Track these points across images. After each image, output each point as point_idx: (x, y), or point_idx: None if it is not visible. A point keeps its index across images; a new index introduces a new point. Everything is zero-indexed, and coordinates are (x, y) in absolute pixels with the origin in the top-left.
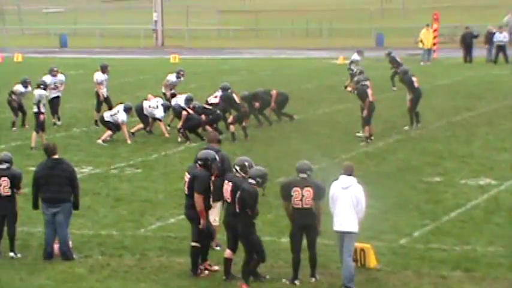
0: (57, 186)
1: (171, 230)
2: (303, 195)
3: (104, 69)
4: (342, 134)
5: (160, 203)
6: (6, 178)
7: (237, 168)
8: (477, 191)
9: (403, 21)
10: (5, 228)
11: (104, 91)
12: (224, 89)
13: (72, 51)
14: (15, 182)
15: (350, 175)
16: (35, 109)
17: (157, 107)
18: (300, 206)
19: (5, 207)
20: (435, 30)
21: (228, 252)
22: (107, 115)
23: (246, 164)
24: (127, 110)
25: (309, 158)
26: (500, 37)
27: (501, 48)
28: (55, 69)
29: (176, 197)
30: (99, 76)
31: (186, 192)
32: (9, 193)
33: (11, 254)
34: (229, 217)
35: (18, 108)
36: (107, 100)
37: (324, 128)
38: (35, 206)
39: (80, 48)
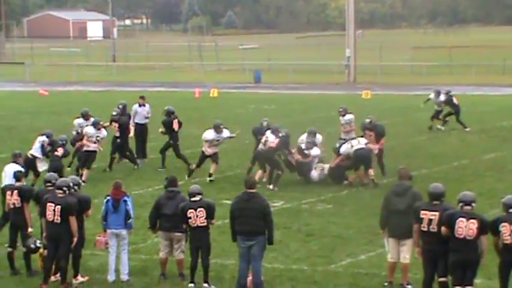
0: (252, 219)
1: (362, 267)
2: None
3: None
4: None
5: (350, 239)
6: (202, 209)
7: (473, 204)
8: None
9: None
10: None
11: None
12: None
13: (266, 87)
14: (210, 212)
15: None
16: None
17: None
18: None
19: (200, 238)
20: None
21: None
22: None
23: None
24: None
25: None
26: None
27: None
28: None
29: (367, 234)
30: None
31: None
32: (205, 223)
33: (205, 285)
34: (461, 254)
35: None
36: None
37: None
38: (233, 238)
39: (274, 84)
